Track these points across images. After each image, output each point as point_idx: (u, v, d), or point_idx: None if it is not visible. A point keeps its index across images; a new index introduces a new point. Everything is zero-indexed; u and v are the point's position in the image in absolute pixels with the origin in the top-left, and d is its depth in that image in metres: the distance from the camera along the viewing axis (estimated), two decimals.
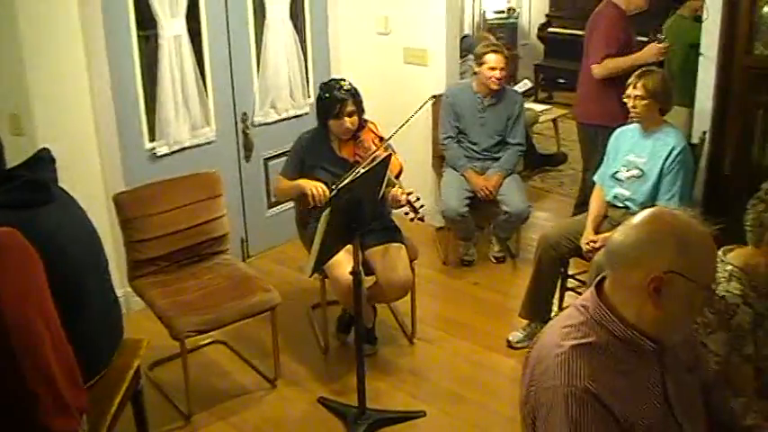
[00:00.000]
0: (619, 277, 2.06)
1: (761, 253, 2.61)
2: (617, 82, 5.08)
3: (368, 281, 4.24)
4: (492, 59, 5.43)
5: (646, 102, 4.35)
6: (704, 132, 4.69)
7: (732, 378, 2.51)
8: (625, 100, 4.46)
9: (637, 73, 4.44)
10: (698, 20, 4.95)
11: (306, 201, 4.34)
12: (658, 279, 1.95)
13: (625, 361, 2.03)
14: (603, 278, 2.13)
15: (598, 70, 5.39)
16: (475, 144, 5.60)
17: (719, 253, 2.66)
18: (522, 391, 2.14)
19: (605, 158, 4.71)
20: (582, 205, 5.47)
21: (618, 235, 2.06)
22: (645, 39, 7.85)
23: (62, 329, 2.57)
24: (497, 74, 5.43)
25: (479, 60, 5.48)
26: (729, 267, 2.63)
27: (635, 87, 4.37)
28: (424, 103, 4.24)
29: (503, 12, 10.30)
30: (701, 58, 4.70)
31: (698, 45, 4.83)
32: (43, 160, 3.03)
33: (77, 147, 4.50)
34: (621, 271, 2.05)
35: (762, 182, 2.74)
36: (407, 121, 4.19)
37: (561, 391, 1.96)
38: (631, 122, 4.57)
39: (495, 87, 5.49)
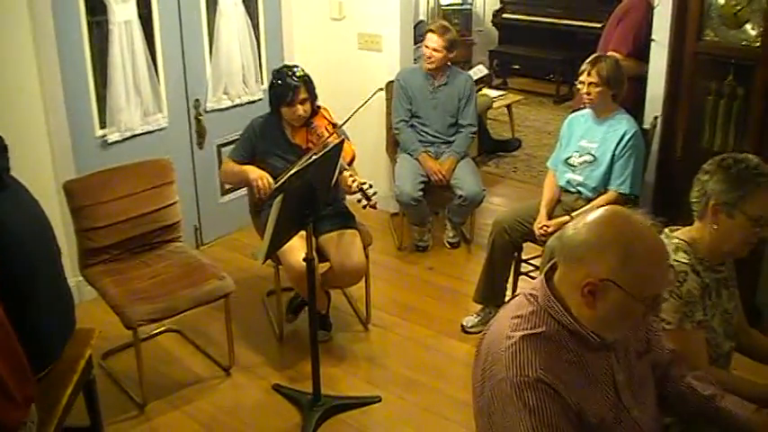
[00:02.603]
0: (564, 270, 2.08)
1: (703, 226, 2.67)
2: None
3: (322, 267, 4.24)
4: (429, 38, 5.48)
5: (600, 89, 4.38)
6: (655, 117, 4.72)
7: (687, 347, 2.55)
8: (578, 86, 4.49)
9: (589, 60, 4.46)
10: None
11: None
12: (593, 284, 1.97)
13: (574, 351, 2.04)
14: (554, 266, 2.14)
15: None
16: (428, 127, 5.62)
17: (666, 230, 2.71)
18: (476, 383, 2.14)
19: (558, 144, 4.74)
20: None
21: (571, 228, 2.07)
22: (599, 25, 7.97)
23: (8, 320, 2.53)
24: (429, 52, 5.47)
25: (423, 38, 5.54)
26: (675, 240, 2.69)
27: (589, 74, 4.39)
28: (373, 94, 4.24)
29: None
30: (652, 44, 4.73)
31: None
32: None
33: (26, 134, 4.43)
34: (566, 265, 2.07)
35: None
36: (366, 101, 4.20)
37: (514, 382, 1.96)
38: (583, 108, 4.61)
39: (428, 66, 5.53)
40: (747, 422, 2.30)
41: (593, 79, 4.38)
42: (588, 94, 4.42)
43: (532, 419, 1.93)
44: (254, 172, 4.35)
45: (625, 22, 5.27)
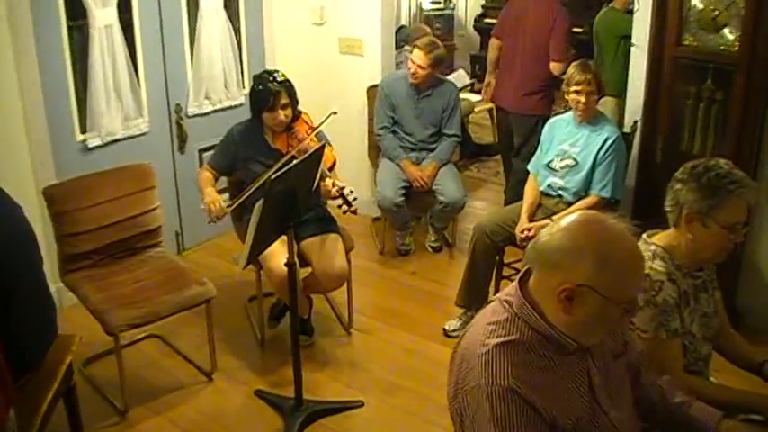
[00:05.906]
0: (539, 276, 2.07)
1: (680, 234, 2.67)
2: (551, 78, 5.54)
3: (303, 272, 4.24)
4: (414, 54, 5.46)
5: (595, 96, 4.42)
6: (635, 121, 4.75)
7: (661, 355, 2.56)
8: (573, 96, 4.46)
9: (581, 69, 4.45)
10: (629, 12, 5.02)
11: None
12: (570, 290, 1.97)
13: (549, 357, 2.04)
14: (528, 271, 2.14)
15: (560, 69, 5.55)
16: (410, 135, 5.62)
17: (644, 236, 2.72)
18: (450, 389, 2.14)
19: (539, 147, 4.75)
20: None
21: (545, 233, 2.07)
22: (580, 30, 8.11)
23: None
24: (414, 68, 5.45)
25: (405, 44, 5.55)
26: (653, 247, 2.69)
27: (588, 84, 4.39)
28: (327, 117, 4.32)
29: (439, 2, 10.34)
30: (632, 49, 4.76)
31: (628, 37, 4.90)
32: None
33: (6, 139, 4.40)
34: (541, 271, 2.06)
35: None
36: (319, 125, 4.29)
37: (486, 391, 1.96)
38: (565, 112, 4.63)
39: (412, 80, 5.51)
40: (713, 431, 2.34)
41: (592, 87, 4.41)
42: (586, 102, 4.43)
43: (497, 430, 1.94)
44: (208, 195, 4.34)
45: (556, 33, 5.67)
